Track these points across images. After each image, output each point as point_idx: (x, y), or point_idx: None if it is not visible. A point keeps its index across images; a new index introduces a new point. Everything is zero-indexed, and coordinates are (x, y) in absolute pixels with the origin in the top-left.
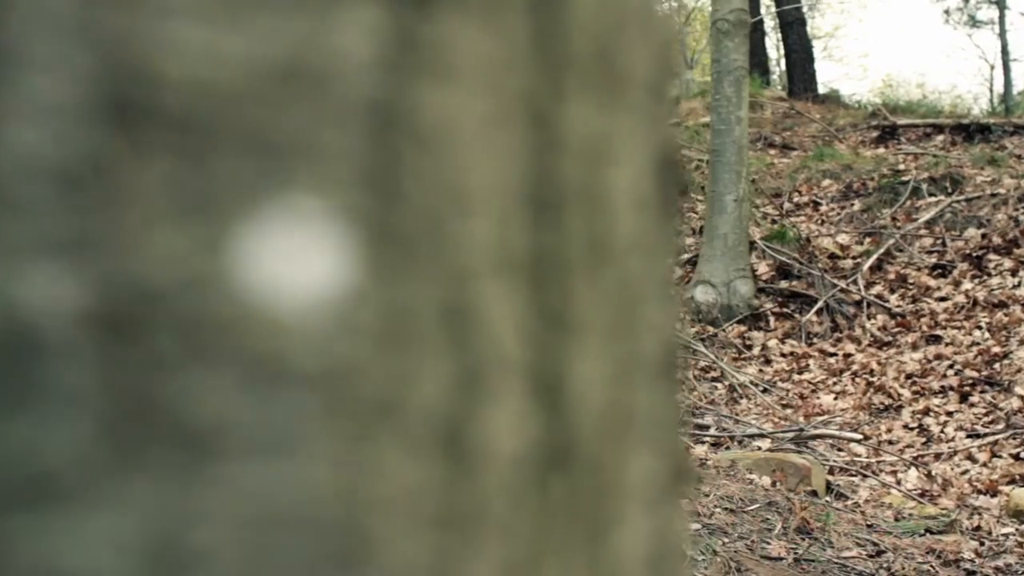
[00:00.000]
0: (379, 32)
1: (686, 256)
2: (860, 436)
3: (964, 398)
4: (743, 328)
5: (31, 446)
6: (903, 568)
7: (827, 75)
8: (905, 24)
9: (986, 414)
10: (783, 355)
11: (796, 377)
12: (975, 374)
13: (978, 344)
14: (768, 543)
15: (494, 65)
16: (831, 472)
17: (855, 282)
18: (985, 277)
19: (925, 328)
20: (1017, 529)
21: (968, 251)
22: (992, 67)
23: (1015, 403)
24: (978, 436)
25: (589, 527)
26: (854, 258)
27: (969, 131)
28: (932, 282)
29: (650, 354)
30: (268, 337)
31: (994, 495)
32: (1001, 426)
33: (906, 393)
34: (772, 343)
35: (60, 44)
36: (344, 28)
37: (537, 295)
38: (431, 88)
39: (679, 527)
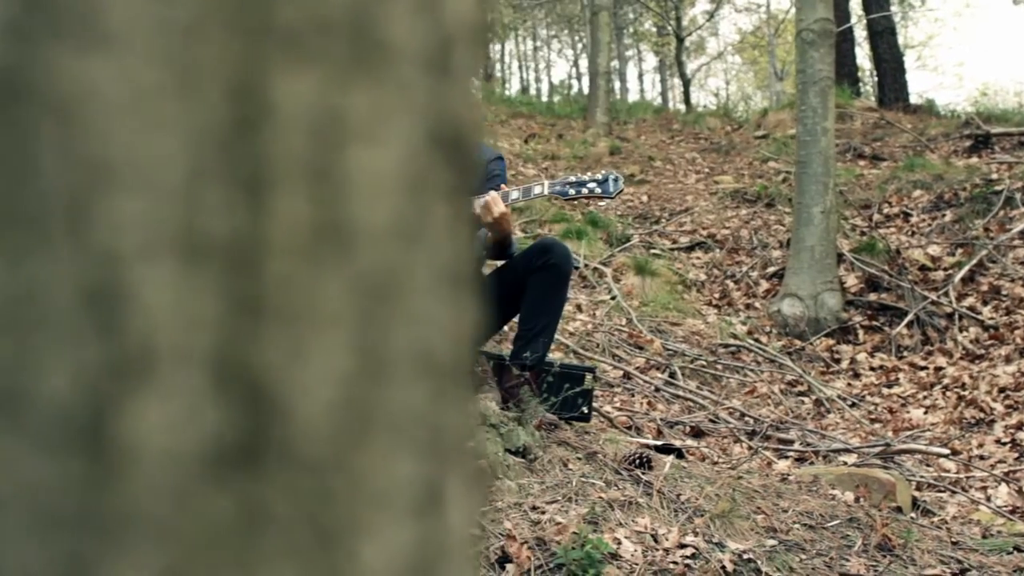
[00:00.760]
0: None
1: (773, 269)
2: (948, 451)
3: None
4: (831, 341)
5: None
6: None
7: (921, 85)
8: (1003, 32)
9: None
10: (872, 369)
11: (885, 391)
12: None
13: None
14: (847, 560)
15: (168, 32)
16: (918, 488)
17: (946, 294)
18: None
19: (1019, 340)
20: None
21: None
22: None
23: None
24: None
25: (320, 534)
26: (945, 270)
27: None
28: None
29: (412, 350)
30: None
31: None
32: None
33: (999, 407)
34: (861, 356)
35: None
36: None
37: (231, 281)
38: (72, 56)
39: (460, 536)
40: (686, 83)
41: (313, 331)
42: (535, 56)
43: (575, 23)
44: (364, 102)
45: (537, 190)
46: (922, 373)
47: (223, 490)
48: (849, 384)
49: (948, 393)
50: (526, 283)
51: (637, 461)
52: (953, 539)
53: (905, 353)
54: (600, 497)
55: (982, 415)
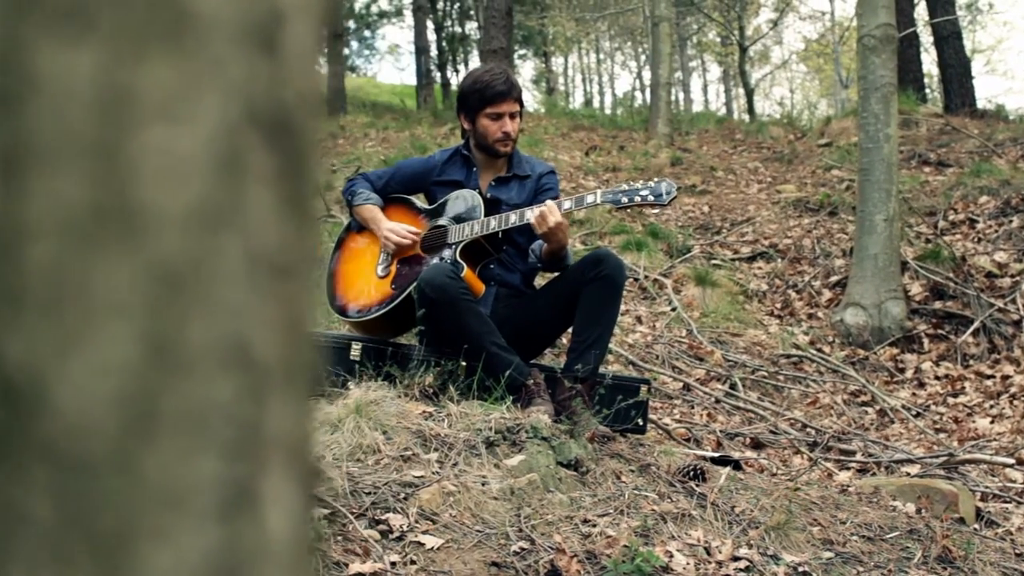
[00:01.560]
0: None
1: (835, 278)
2: (1014, 461)
3: None
4: (895, 351)
5: None
6: None
7: (991, 90)
8: None
9: None
10: (937, 378)
11: (951, 400)
12: None
13: None
14: (906, 572)
15: None
16: (982, 499)
17: (1013, 301)
18: None
19: None
20: None
21: None
22: None
23: None
24: None
25: (94, 539)
26: (1012, 276)
27: None
28: None
29: (217, 343)
30: None
31: None
32: None
33: None
34: (926, 365)
35: None
36: None
37: None
38: None
39: (281, 539)
40: (749, 93)
41: (88, 321)
42: (598, 69)
43: (638, 35)
44: (164, 78)
45: (590, 199)
46: (988, 382)
47: None
48: (914, 394)
49: (1015, 402)
50: (579, 294)
51: (691, 473)
52: (1017, 551)
53: (971, 362)
54: (652, 510)
55: None
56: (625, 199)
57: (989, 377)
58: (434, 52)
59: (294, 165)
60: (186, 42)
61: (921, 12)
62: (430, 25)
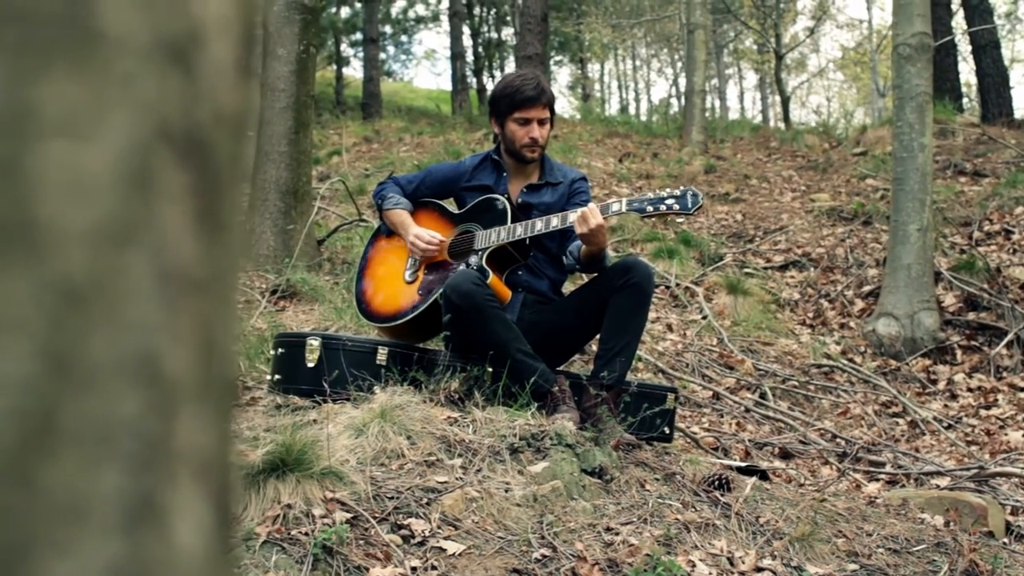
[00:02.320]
0: None
1: (868, 288)
2: None
3: None
4: (928, 362)
5: None
6: None
7: None
8: None
9: None
10: (970, 390)
11: (983, 412)
12: None
13: None
14: None
15: None
16: (1013, 513)
17: None
18: None
19: None
20: None
21: None
22: None
23: None
24: None
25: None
26: None
27: None
28: None
29: (121, 358)
30: None
31: None
32: None
33: None
34: (959, 377)
35: None
36: None
37: None
38: None
39: (190, 552)
40: (785, 100)
41: None
42: (635, 75)
43: (674, 42)
44: (68, 94)
45: (615, 207)
46: (1022, 394)
47: None
48: (946, 405)
49: None
50: (607, 302)
51: (716, 483)
52: None
53: (1004, 374)
54: (676, 519)
55: None
56: (650, 207)
57: (1022, 390)
58: (470, 57)
59: (210, 182)
60: (92, 59)
61: (959, 21)
62: (466, 31)
